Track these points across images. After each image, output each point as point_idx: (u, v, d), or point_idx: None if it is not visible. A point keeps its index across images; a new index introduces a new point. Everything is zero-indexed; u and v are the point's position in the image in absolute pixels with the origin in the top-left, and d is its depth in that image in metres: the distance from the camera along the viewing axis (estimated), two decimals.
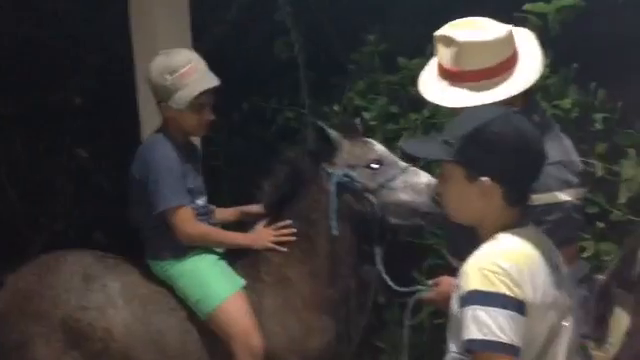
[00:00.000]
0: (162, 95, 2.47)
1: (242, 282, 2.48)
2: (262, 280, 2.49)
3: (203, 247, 2.51)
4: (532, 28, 2.86)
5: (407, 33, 3.90)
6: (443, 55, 1.96)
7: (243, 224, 2.73)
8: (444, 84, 1.98)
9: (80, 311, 2.39)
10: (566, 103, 3.00)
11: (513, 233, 1.59)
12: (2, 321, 2.46)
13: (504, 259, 1.52)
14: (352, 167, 2.45)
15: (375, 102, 3.60)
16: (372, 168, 2.43)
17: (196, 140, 2.88)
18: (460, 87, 1.94)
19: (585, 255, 2.97)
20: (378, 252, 2.43)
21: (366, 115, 3.57)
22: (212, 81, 2.48)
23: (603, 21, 3.05)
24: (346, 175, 2.42)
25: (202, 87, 2.45)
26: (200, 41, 3.64)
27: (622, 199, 2.95)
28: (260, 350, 2.37)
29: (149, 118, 3.65)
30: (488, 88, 1.92)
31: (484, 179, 1.57)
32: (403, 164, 2.43)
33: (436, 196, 2.30)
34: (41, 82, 4.67)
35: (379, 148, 2.50)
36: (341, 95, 3.84)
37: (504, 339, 1.46)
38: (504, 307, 1.47)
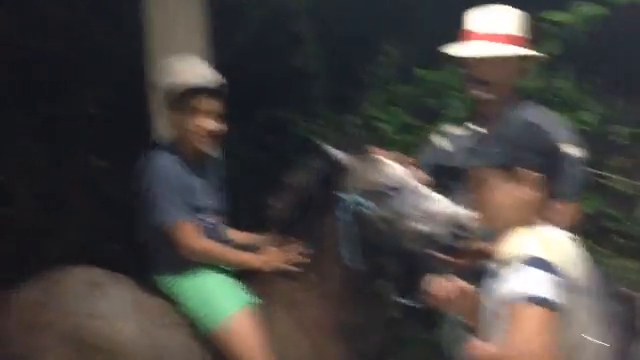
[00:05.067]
0: (163, 97, 2.42)
1: (250, 299, 2.40)
2: (273, 302, 2.40)
3: (209, 265, 2.43)
4: (547, 37, 2.81)
5: (425, 45, 3.87)
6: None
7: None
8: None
9: (88, 319, 2.32)
10: (586, 116, 2.95)
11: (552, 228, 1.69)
12: (6, 335, 2.37)
13: (554, 240, 1.62)
14: (365, 193, 2.28)
15: (392, 113, 3.56)
16: (387, 194, 2.26)
17: None
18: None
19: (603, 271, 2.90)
20: (390, 280, 2.34)
21: (383, 126, 3.53)
22: (200, 81, 2.34)
23: (628, 32, 2.98)
24: (358, 203, 2.28)
25: (183, 80, 2.33)
26: (217, 51, 3.62)
27: None
28: None
29: (163, 130, 3.64)
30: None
31: (527, 171, 1.67)
32: (422, 189, 2.27)
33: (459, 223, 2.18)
34: (58, 93, 4.69)
35: (395, 171, 2.31)
36: (357, 106, 3.81)
37: (555, 299, 1.52)
38: (554, 273, 1.54)
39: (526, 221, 1.68)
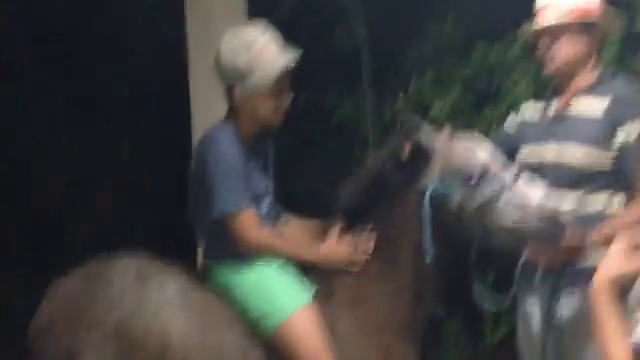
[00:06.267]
0: (234, 78, 2.15)
1: (311, 296, 2.17)
2: (335, 298, 2.18)
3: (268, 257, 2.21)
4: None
5: (480, 20, 3.59)
6: None
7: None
8: None
9: (136, 314, 2.10)
10: None
11: None
12: (47, 333, 2.13)
13: None
14: (448, 178, 2.08)
15: (447, 94, 3.30)
16: (472, 182, 2.06)
17: None
18: None
19: None
20: (474, 277, 2.11)
21: (435, 109, 3.28)
22: (292, 55, 2.14)
23: None
24: (440, 188, 2.08)
25: (284, 62, 2.11)
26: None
27: None
28: None
29: (201, 110, 3.43)
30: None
31: None
32: (511, 175, 2.06)
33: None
34: (89, 72, 4.49)
35: (482, 155, 2.10)
36: (406, 86, 3.54)
37: None
38: None
39: None
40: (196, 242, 3.39)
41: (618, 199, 2.21)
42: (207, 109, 3.39)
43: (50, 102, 4.56)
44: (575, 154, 2.23)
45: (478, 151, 2.11)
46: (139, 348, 2.07)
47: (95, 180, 4.77)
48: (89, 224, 4.70)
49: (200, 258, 3.27)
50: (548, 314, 2.11)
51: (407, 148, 2.12)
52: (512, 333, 3.21)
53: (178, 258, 2.32)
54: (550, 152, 2.29)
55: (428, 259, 2.05)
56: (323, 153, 4.14)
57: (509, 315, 3.25)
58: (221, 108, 3.22)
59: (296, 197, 3.30)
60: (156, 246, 2.37)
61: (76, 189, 4.75)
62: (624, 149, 2.18)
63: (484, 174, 2.05)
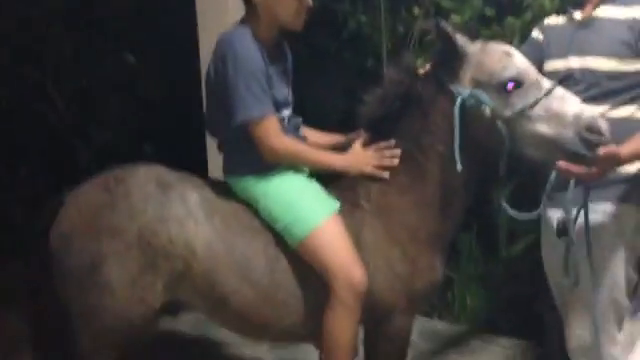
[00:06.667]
0: None
1: (337, 204, 2.11)
2: (361, 207, 2.12)
3: (291, 166, 2.16)
4: None
5: None
6: None
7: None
8: None
9: (159, 223, 2.05)
10: None
11: None
12: (68, 242, 2.07)
13: None
14: (481, 86, 1.98)
15: (467, 3, 3.12)
16: (507, 89, 1.95)
17: None
18: None
19: None
20: (502, 190, 2.05)
21: (455, 19, 3.11)
22: None
23: None
24: (473, 96, 1.97)
25: None
26: None
27: None
28: (362, 286, 2.02)
29: (207, 18, 3.28)
30: None
31: None
32: (547, 84, 1.95)
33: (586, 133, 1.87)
34: None
35: (518, 61, 1.99)
36: None
37: None
38: None
39: None
40: (206, 157, 3.34)
41: None
42: (214, 14, 3.23)
43: (50, 15, 4.37)
44: (601, 64, 2.14)
45: (515, 57, 1.99)
46: (163, 258, 2.03)
47: (100, 93, 4.65)
48: (96, 138, 4.62)
49: (210, 173, 3.23)
50: (573, 224, 2.06)
51: (435, 57, 2.02)
52: (528, 248, 3.22)
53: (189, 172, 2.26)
54: (575, 64, 2.19)
55: (458, 169, 1.98)
56: (335, 63, 3.99)
57: (525, 229, 3.23)
58: (229, 13, 3.08)
59: (307, 107, 3.21)
60: (165, 160, 2.31)
61: (82, 103, 4.64)
62: None
63: (520, 82, 1.95)
